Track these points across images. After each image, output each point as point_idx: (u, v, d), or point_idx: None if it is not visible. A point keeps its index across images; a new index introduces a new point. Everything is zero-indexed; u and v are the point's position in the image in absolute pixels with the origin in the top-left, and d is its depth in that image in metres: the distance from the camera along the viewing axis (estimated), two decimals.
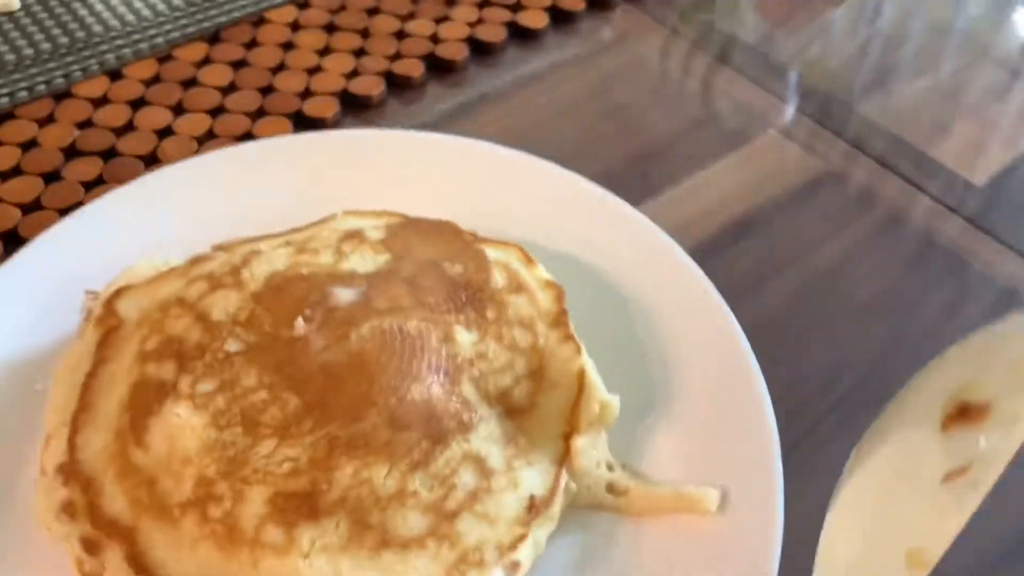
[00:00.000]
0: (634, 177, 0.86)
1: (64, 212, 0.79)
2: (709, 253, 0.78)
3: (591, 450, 0.62)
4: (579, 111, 0.93)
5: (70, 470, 0.59)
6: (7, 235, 0.80)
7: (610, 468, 0.64)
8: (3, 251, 0.79)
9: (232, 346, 0.63)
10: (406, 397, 0.59)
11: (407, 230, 0.70)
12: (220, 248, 0.70)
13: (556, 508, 0.60)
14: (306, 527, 0.55)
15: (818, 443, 0.68)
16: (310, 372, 0.60)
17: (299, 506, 0.56)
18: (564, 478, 0.61)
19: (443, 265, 0.67)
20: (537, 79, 0.97)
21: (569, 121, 0.92)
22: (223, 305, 0.65)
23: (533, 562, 0.58)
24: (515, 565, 0.56)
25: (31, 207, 0.83)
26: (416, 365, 0.60)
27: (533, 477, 0.60)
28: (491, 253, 0.69)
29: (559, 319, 0.65)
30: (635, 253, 0.73)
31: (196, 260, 0.69)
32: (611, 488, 0.63)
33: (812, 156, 0.89)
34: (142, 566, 0.56)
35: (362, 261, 0.67)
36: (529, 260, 0.69)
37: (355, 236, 0.70)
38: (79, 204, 0.82)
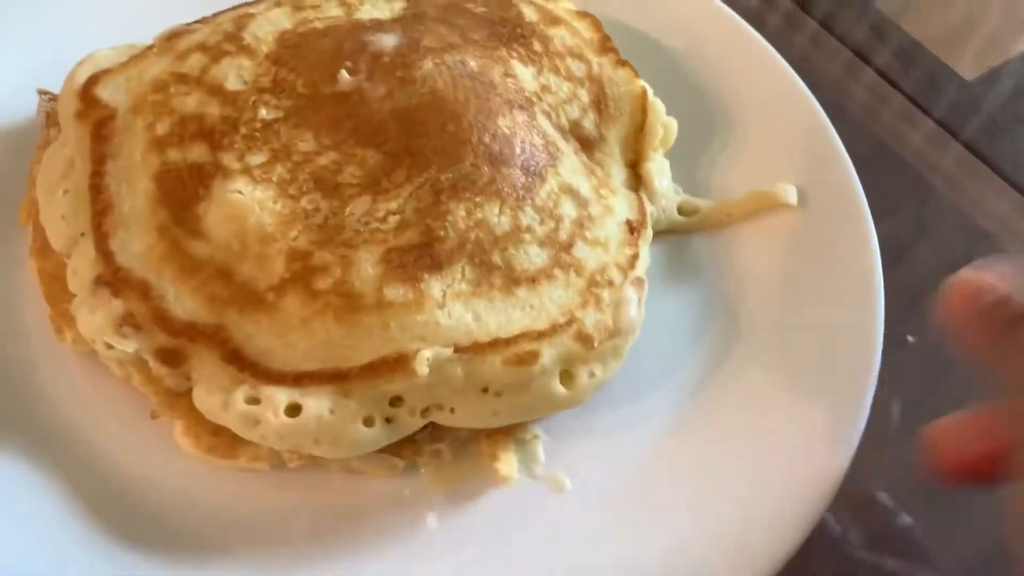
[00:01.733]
0: None
1: None
2: None
3: (660, 173, 0.61)
4: None
5: (114, 279, 0.50)
6: None
7: (675, 191, 0.63)
8: None
9: (267, 113, 0.54)
10: (497, 132, 0.54)
11: None
12: (199, 20, 0.60)
13: (648, 232, 0.58)
14: (432, 278, 0.50)
15: None
16: (380, 122, 0.53)
17: (419, 258, 0.50)
18: (645, 201, 0.59)
19: (466, 5, 0.61)
20: None
21: None
22: (236, 73, 0.56)
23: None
24: (640, 281, 0.55)
25: None
26: (493, 99, 0.55)
27: (621, 203, 0.58)
28: None
29: (605, 44, 0.62)
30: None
31: (174, 35, 0.59)
32: (683, 209, 0.62)
33: None
34: (245, 359, 0.49)
35: (376, 10, 0.60)
36: None
37: None
38: None
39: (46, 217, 0.54)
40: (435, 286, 0.50)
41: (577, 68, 0.60)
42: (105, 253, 0.51)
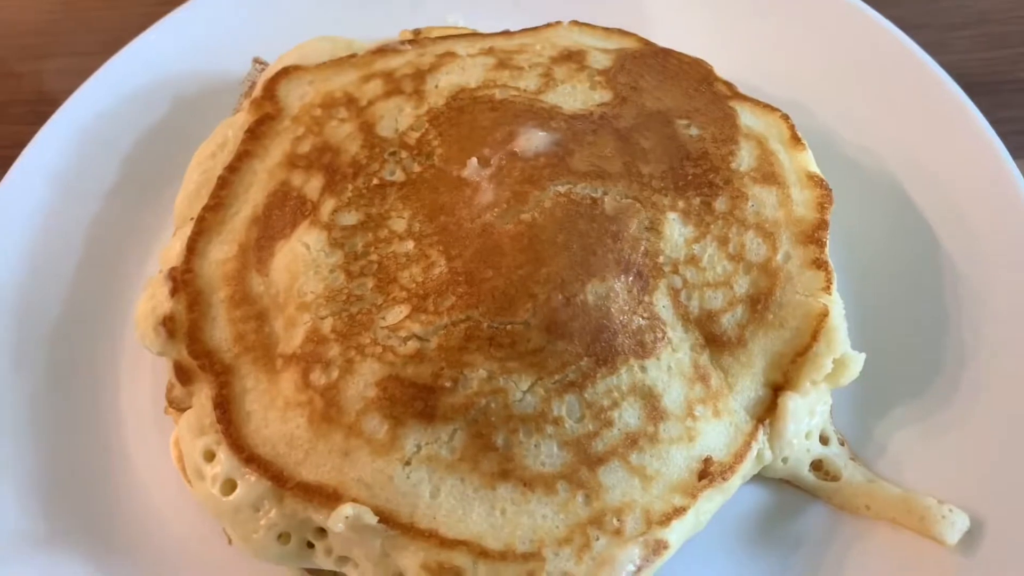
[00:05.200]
0: None
1: None
2: None
3: (805, 415, 0.46)
4: None
5: (182, 278, 0.50)
6: None
7: (824, 441, 0.48)
8: None
9: (390, 173, 0.50)
10: (576, 296, 0.44)
11: (642, 63, 0.53)
12: (412, 39, 0.56)
13: (736, 479, 0.45)
14: (415, 427, 0.44)
15: None
16: (469, 232, 0.47)
17: (414, 399, 0.44)
18: (759, 442, 0.46)
19: (676, 123, 0.50)
20: None
21: None
22: (394, 118, 0.52)
23: (685, 542, 0.44)
24: (659, 545, 0.43)
25: None
26: (602, 256, 0.45)
27: (717, 432, 0.45)
28: (746, 118, 0.51)
29: (814, 234, 0.47)
30: (949, 160, 0.52)
31: (380, 51, 0.56)
32: (819, 466, 0.48)
33: None
34: (227, 415, 0.47)
35: (573, 95, 0.52)
36: (796, 139, 0.50)
37: (574, 58, 0.54)
38: None
39: (186, 182, 0.55)
40: (412, 438, 0.44)
41: (754, 249, 0.47)
42: (191, 249, 0.51)
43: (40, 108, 0.62)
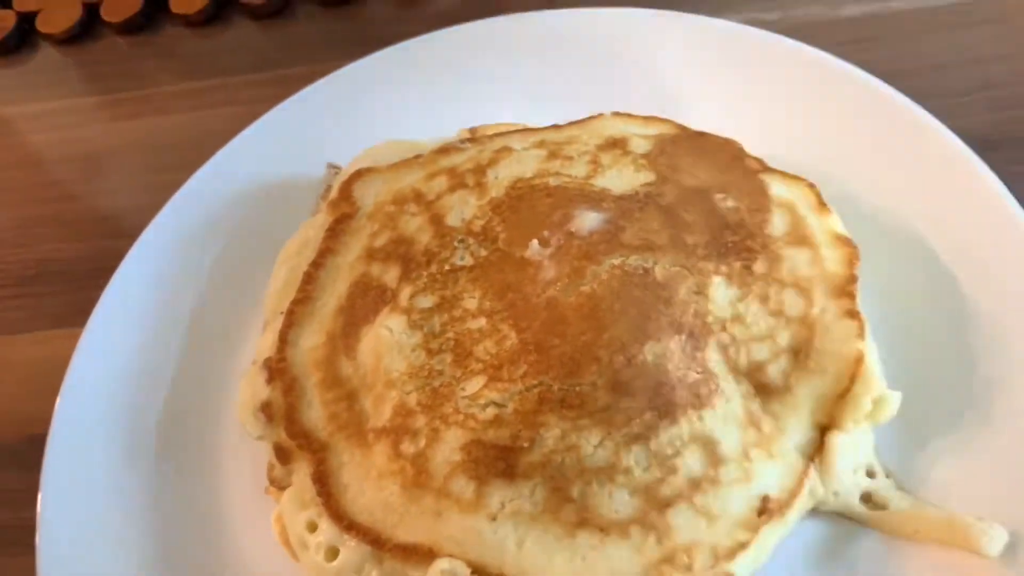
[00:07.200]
0: None
1: None
2: None
3: (851, 452, 0.51)
4: None
5: (276, 367, 0.56)
6: None
7: (870, 475, 0.52)
8: None
9: (460, 259, 0.56)
10: (636, 357, 0.49)
11: (679, 146, 0.59)
12: (470, 138, 0.63)
13: (793, 514, 0.49)
14: (499, 486, 0.49)
15: None
16: (535, 306, 0.52)
17: (496, 460, 0.49)
18: (811, 478, 0.50)
19: (714, 197, 0.55)
20: None
21: None
22: (460, 209, 0.58)
23: (752, 574, 0.49)
24: None
25: None
26: (656, 320, 0.50)
27: (772, 472, 0.50)
28: (776, 189, 0.56)
29: (845, 288, 0.52)
30: (964, 216, 0.57)
31: (443, 150, 0.62)
32: (868, 499, 0.51)
33: None
34: (326, 488, 0.52)
35: (619, 178, 0.57)
36: (822, 205, 0.56)
37: (618, 145, 0.60)
38: None
39: (274, 279, 0.62)
40: (497, 495, 0.49)
41: (793, 304, 0.52)
42: (283, 340, 0.57)
43: (135, 220, 0.68)
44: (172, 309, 0.64)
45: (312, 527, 0.52)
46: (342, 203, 0.61)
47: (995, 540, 0.47)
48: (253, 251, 0.65)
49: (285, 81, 0.76)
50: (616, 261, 0.52)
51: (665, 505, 0.48)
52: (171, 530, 0.57)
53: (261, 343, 0.59)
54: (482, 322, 0.53)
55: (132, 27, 0.87)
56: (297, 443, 0.54)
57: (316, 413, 0.54)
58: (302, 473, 0.54)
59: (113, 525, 0.57)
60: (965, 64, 0.71)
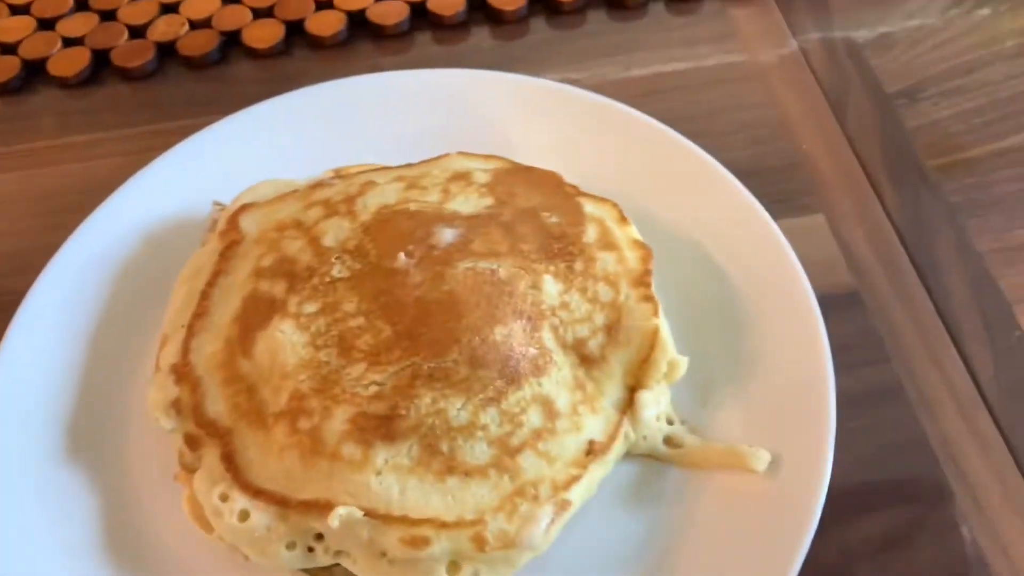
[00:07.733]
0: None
1: None
2: None
3: (653, 404, 0.65)
4: None
5: (182, 371, 0.66)
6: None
7: (670, 422, 0.67)
8: None
9: (338, 272, 0.67)
10: (488, 338, 0.63)
11: (513, 176, 0.73)
12: (339, 175, 0.75)
13: (613, 454, 0.63)
14: (381, 447, 0.60)
15: None
16: (405, 304, 0.64)
17: (377, 427, 0.61)
18: (624, 427, 0.64)
19: (541, 215, 0.70)
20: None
21: None
22: (335, 232, 0.70)
23: (584, 501, 0.62)
24: (565, 503, 0.60)
25: None
26: (502, 309, 0.64)
27: (595, 423, 0.64)
28: (588, 208, 0.71)
29: (642, 279, 0.67)
30: (728, 223, 0.75)
31: (316, 185, 0.74)
32: (668, 440, 0.66)
33: None
34: (233, 464, 0.62)
35: (466, 202, 0.71)
36: (623, 218, 0.71)
37: (463, 177, 0.73)
38: None
39: (173, 300, 0.71)
40: (380, 455, 0.60)
41: (604, 293, 0.66)
42: (186, 347, 0.67)
43: (32, 259, 0.76)
44: (76, 333, 0.73)
45: (224, 498, 0.61)
46: (230, 232, 0.72)
47: (761, 460, 0.63)
48: (150, 279, 0.75)
49: (163, 134, 0.85)
50: (469, 265, 0.65)
51: (515, 452, 0.61)
52: (92, 523, 0.65)
53: (164, 354, 0.68)
54: (361, 320, 0.65)
55: (6, 90, 0.95)
56: (205, 431, 0.64)
57: (220, 406, 0.64)
58: (211, 456, 0.63)
59: (38, 522, 0.64)
60: (729, 110, 0.90)
